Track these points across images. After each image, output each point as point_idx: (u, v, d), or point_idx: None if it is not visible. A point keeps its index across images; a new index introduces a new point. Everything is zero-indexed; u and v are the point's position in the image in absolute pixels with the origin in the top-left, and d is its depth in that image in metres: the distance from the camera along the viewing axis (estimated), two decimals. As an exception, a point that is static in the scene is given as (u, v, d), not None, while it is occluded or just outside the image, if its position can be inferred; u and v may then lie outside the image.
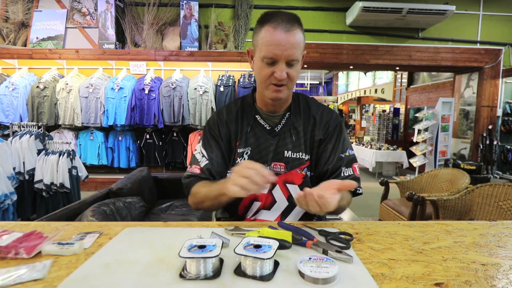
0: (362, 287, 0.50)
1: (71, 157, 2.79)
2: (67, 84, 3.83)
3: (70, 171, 2.76)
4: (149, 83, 3.86)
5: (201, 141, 0.98)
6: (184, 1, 4.07)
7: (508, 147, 4.80)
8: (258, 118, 0.97)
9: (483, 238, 0.72)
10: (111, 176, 4.12)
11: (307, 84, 14.44)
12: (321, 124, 0.96)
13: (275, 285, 0.50)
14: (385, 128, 8.02)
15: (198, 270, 0.51)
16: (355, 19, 4.16)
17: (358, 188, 0.93)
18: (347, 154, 0.94)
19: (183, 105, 3.85)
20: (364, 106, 11.12)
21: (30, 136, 2.73)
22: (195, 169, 0.94)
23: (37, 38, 4.13)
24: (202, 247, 0.54)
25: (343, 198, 0.85)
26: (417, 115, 5.59)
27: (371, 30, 4.44)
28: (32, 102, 3.80)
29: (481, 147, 4.68)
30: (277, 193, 0.93)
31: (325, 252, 0.61)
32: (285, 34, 0.80)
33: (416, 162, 5.35)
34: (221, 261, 0.56)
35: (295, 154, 0.94)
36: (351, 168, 0.93)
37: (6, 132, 3.65)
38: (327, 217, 1.40)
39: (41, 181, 2.68)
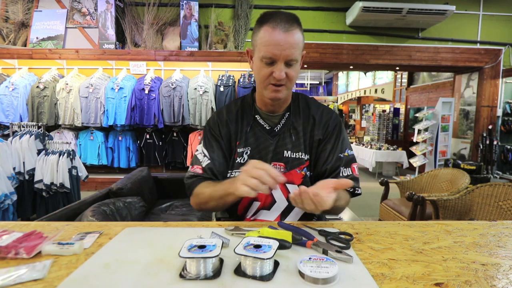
0: (362, 287, 0.50)
1: (71, 157, 2.80)
2: (67, 84, 3.83)
3: (70, 171, 2.76)
4: (149, 83, 3.86)
5: (202, 141, 0.98)
6: (184, 1, 4.07)
7: (508, 147, 4.80)
8: (258, 118, 0.97)
9: (483, 238, 0.72)
10: (111, 176, 4.12)
11: (307, 84, 14.44)
12: (321, 124, 0.96)
13: (275, 285, 0.50)
14: (385, 128, 8.02)
15: (198, 270, 0.51)
16: (355, 19, 4.16)
17: (357, 188, 0.93)
18: (346, 154, 0.94)
19: (183, 105, 3.85)
20: (364, 106, 11.12)
21: (30, 136, 2.73)
22: (197, 169, 0.93)
23: (37, 38, 4.13)
24: (202, 247, 0.54)
25: (340, 198, 0.85)
26: (417, 115, 5.59)
27: (371, 30, 4.44)
28: (32, 102, 3.80)
29: (481, 147, 4.69)
30: (277, 193, 0.93)
31: (325, 252, 0.61)
32: (284, 34, 0.80)
33: (416, 162, 5.35)
34: (221, 261, 0.56)
35: (294, 154, 0.94)
36: (350, 168, 0.93)
37: (6, 132, 3.65)
38: (327, 217, 1.40)
39: (41, 181, 2.68)
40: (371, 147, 6.38)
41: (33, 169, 2.70)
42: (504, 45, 4.59)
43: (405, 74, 7.72)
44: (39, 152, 2.75)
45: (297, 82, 14.63)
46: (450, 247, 0.66)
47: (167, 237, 0.69)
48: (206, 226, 0.77)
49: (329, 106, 1.15)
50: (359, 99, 11.27)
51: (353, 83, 11.63)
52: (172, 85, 3.84)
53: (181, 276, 0.52)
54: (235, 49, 4.17)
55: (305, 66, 5.01)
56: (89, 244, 0.65)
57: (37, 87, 3.80)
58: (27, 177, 2.70)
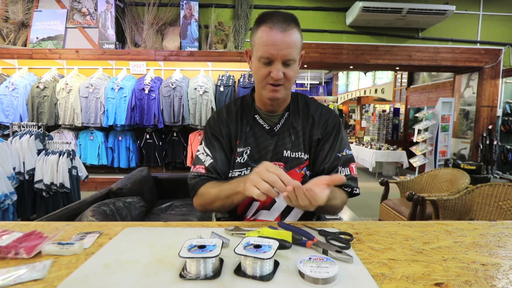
0: (362, 287, 0.50)
1: (71, 157, 2.80)
2: (67, 84, 3.83)
3: (70, 171, 2.76)
4: (149, 83, 3.86)
5: (203, 142, 0.98)
6: (184, 1, 4.07)
7: (508, 147, 4.80)
8: (257, 118, 0.97)
9: (483, 238, 0.72)
10: (111, 176, 4.12)
11: (307, 84, 14.45)
12: (320, 123, 0.96)
13: (275, 285, 0.50)
14: (385, 128, 8.02)
15: (198, 270, 0.51)
16: (355, 19, 4.16)
17: (355, 188, 0.93)
18: (344, 153, 0.94)
19: (183, 105, 3.85)
20: (364, 106, 11.12)
21: (30, 136, 2.73)
22: (200, 169, 0.93)
23: (37, 38, 4.13)
24: (202, 247, 0.54)
25: (336, 197, 0.85)
26: (417, 115, 5.59)
27: (371, 30, 4.45)
28: (32, 102, 3.80)
29: (481, 147, 4.69)
30: None
31: (325, 252, 0.61)
32: (281, 34, 0.80)
33: (416, 162, 5.35)
34: (221, 261, 0.56)
35: (294, 153, 0.94)
36: (348, 168, 0.93)
37: (6, 132, 3.65)
38: (327, 217, 1.40)
39: (41, 181, 2.68)
40: (371, 147, 6.38)
41: (33, 169, 2.70)
42: (504, 45, 4.59)
43: (405, 74, 7.72)
44: (39, 152, 2.75)
45: (297, 82, 14.66)
46: (450, 247, 0.66)
47: (167, 237, 0.69)
48: (206, 226, 0.77)
49: (329, 106, 1.14)
50: (359, 99, 11.27)
51: (353, 83, 11.63)
52: (172, 85, 3.84)
53: (181, 276, 0.52)
54: (235, 49, 4.17)
55: (305, 66, 5.01)
56: (89, 244, 0.65)
57: (37, 87, 3.80)
58: (27, 177, 2.70)
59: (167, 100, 3.86)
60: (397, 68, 5.35)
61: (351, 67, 5.58)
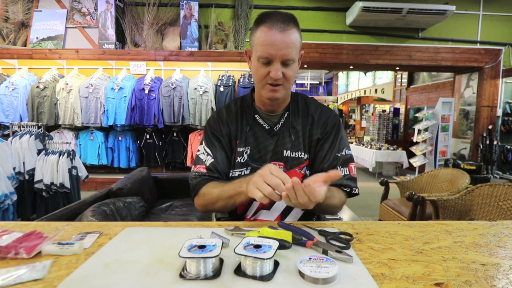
0: (362, 287, 0.50)
1: (71, 157, 2.80)
2: (67, 84, 3.83)
3: (70, 171, 2.76)
4: (149, 83, 3.86)
5: (203, 141, 0.98)
6: (184, 1, 4.07)
7: (508, 147, 4.81)
8: (257, 118, 0.97)
9: (483, 238, 0.72)
10: (111, 176, 4.12)
11: (307, 84, 14.45)
12: (319, 123, 0.96)
13: (275, 285, 0.50)
14: (385, 128, 8.02)
15: (198, 270, 0.51)
16: (355, 19, 4.16)
17: (354, 188, 0.92)
18: (343, 153, 0.93)
19: (183, 105, 3.85)
20: (364, 106, 11.12)
21: (30, 136, 2.73)
22: (201, 169, 0.93)
23: (37, 38, 4.13)
24: (202, 247, 0.54)
25: (334, 196, 0.85)
26: (417, 115, 5.59)
27: (371, 30, 4.45)
28: (32, 102, 3.80)
29: (481, 147, 4.69)
30: None
31: (325, 252, 0.61)
32: (280, 34, 0.80)
33: (416, 162, 5.35)
34: (221, 261, 0.56)
35: (294, 153, 0.94)
36: (347, 168, 0.93)
37: (6, 132, 3.65)
38: (327, 217, 1.40)
39: (41, 181, 2.68)
40: (371, 147, 6.38)
41: (33, 169, 2.70)
42: (504, 45, 4.59)
43: (405, 74, 7.72)
44: (39, 152, 2.75)
45: (297, 82, 14.66)
46: (450, 247, 0.66)
47: (167, 237, 0.69)
48: (206, 226, 0.77)
49: (329, 106, 1.14)
50: (359, 99, 11.27)
51: (353, 83, 11.63)
52: (172, 85, 3.84)
53: (181, 276, 0.52)
54: (235, 49, 4.17)
55: (305, 66, 5.01)
56: (89, 244, 0.65)
57: (37, 87, 3.80)
58: (27, 177, 2.70)
59: (167, 100, 3.86)
60: (397, 68, 5.35)
61: (351, 67, 5.59)
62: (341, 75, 12.80)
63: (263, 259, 0.51)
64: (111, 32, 4.06)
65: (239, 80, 4.03)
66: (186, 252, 0.52)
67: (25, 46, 4.13)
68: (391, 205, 2.69)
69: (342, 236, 0.69)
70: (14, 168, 2.58)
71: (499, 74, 4.61)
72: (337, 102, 12.16)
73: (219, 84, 3.94)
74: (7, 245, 0.59)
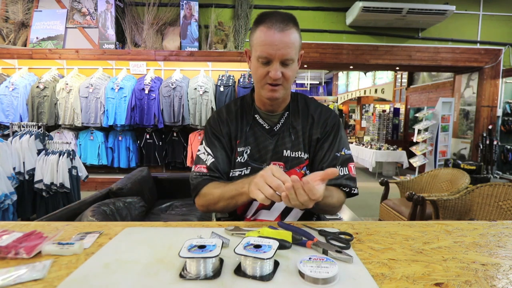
0: (362, 287, 0.50)
1: (71, 157, 2.80)
2: (67, 84, 3.83)
3: (70, 171, 2.76)
4: (149, 83, 3.87)
5: (203, 141, 0.98)
6: (184, 1, 4.07)
7: (508, 147, 4.81)
8: (257, 118, 0.97)
9: (483, 238, 0.72)
10: (111, 176, 4.12)
11: (307, 84, 14.45)
12: (319, 123, 0.96)
13: (275, 285, 0.50)
14: (385, 128, 8.02)
15: (198, 270, 0.51)
16: (355, 19, 4.16)
17: (353, 188, 0.92)
18: (342, 153, 0.93)
19: (183, 105, 3.85)
20: (364, 106, 11.12)
21: (30, 136, 2.73)
22: (202, 169, 0.93)
23: (37, 38, 4.13)
24: (202, 247, 0.54)
25: (332, 195, 0.85)
26: (417, 115, 5.59)
27: (371, 30, 4.45)
28: (32, 102, 3.80)
29: (481, 147, 4.69)
30: None
31: (325, 252, 0.61)
32: (279, 34, 0.81)
33: (416, 162, 5.35)
34: (221, 261, 0.56)
35: (294, 153, 0.94)
36: (346, 168, 0.92)
37: (6, 132, 3.65)
38: (327, 217, 1.40)
39: (41, 181, 2.68)
40: (371, 147, 6.38)
41: (33, 169, 2.70)
42: (504, 45, 4.59)
43: (405, 74, 7.72)
44: (39, 152, 2.75)
45: (297, 82, 14.66)
46: (450, 247, 0.66)
47: (167, 237, 0.69)
48: (206, 226, 0.77)
49: (329, 106, 1.14)
50: (359, 99, 11.27)
51: (353, 83, 11.63)
52: (172, 85, 3.84)
53: (181, 276, 0.52)
54: (235, 49, 4.17)
55: (305, 66, 5.01)
56: (89, 244, 0.65)
57: (37, 87, 3.80)
58: (27, 177, 2.70)
59: (167, 100, 3.86)
60: (397, 68, 5.35)
61: (351, 67, 5.59)
62: (341, 75, 12.80)
63: (263, 259, 0.51)
64: (111, 32, 4.06)
65: (239, 80, 4.03)
66: (186, 252, 0.52)
67: (25, 46, 4.13)
68: (391, 205, 2.69)
69: (342, 236, 0.69)
70: (14, 168, 2.58)
71: (499, 74, 4.62)
72: (337, 102, 12.17)
73: (219, 84, 3.94)
74: (7, 245, 0.59)
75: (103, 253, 0.61)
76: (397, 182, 2.94)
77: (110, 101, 3.84)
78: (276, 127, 0.96)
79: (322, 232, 0.72)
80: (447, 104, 5.21)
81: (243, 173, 0.94)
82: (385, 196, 2.91)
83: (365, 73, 10.30)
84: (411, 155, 5.71)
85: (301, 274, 0.52)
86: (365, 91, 10.37)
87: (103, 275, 0.53)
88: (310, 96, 1.08)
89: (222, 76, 4.03)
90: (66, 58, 4.02)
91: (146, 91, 3.83)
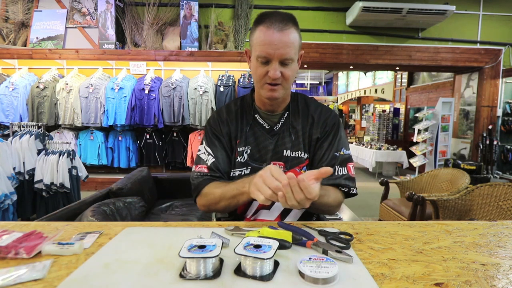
0: (362, 287, 0.50)
1: (71, 157, 2.80)
2: (67, 84, 3.83)
3: (70, 171, 2.76)
4: (149, 83, 3.87)
5: (204, 141, 0.98)
6: (184, 1, 4.07)
7: (508, 147, 4.81)
8: (257, 118, 0.97)
9: (483, 238, 0.72)
10: (111, 176, 4.12)
11: (307, 84, 14.45)
12: (319, 123, 0.96)
13: (275, 285, 0.50)
14: (385, 128, 8.02)
15: (198, 270, 0.51)
16: (355, 19, 4.16)
17: (352, 188, 0.92)
18: (341, 153, 0.93)
19: (183, 105, 3.85)
20: (364, 106, 11.12)
21: (30, 136, 2.73)
22: (203, 169, 0.93)
23: (37, 38, 4.13)
24: (202, 247, 0.54)
25: (328, 195, 0.84)
26: (417, 115, 5.59)
27: (371, 30, 4.45)
28: (32, 102, 3.80)
29: (481, 147, 4.69)
30: None
31: (325, 252, 0.61)
32: (278, 34, 0.81)
33: (416, 162, 5.35)
34: (221, 261, 0.56)
35: (294, 153, 0.94)
36: (345, 168, 0.92)
37: (6, 132, 3.65)
38: (327, 217, 1.40)
39: (41, 181, 2.68)
40: (371, 147, 6.38)
41: (33, 169, 2.70)
42: (504, 45, 4.59)
43: (405, 74, 7.72)
44: (39, 152, 2.75)
45: (297, 82, 14.66)
46: (450, 247, 0.66)
47: (167, 237, 0.69)
48: (206, 226, 0.77)
49: (329, 106, 1.14)
50: (359, 99, 11.27)
51: (353, 83, 11.63)
52: (172, 85, 3.84)
53: (181, 276, 0.52)
54: (235, 49, 4.17)
55: (305, 66, 5.01)
56: (89, 244, 0.65)
57: (37, 87, 3.80)
58: (27, 177, 2.70)
59: (167, 100, 3.86)
60: (397, 68, 5.35)
61: (351, 67, 5.59)
62: (341, 75, 12.80)
63: (263, 259, 0.51)
64: (111, 32, 4.06)
65: (239, 80, 4.03)
66: (186, 252, 0.52)
67: (25, 46, 4.13)
68: (391, 205, 2.69)
69: (342, 236, 0.69)
70: (14, 168, 2.58)
71: (499, 74, 4.62)
72: (337, 102, 12.17)
73: (219, 84, 3.94)
74: (7, 245, 0.59)
75: (103, 253, 0.61)
76: (397, 182, 2.94)
77: (110, 101, 3.84)
78: (276, 127, 0.96)
79: (322, 232, 0.72)
80: (447, 104, 5.21)
81: (243, 173, 0.94)
82: (385, 196, 2.91)
83: (365, 73, 10.30)
84: (411, 155, 5.71)
85: (301, 274, 0.52)
86: (365, 91, 10.37)
87: (103, 275, 0.53)
88: (310, 96, 1.08)
89: (222, 76, 4.03)
90: (66, 58, 4.02)
91: (146, 91, 3.83)
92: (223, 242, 0.57)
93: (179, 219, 2.28)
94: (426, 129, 5.32)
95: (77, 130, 4.09)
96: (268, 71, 0.84)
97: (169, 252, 0.61)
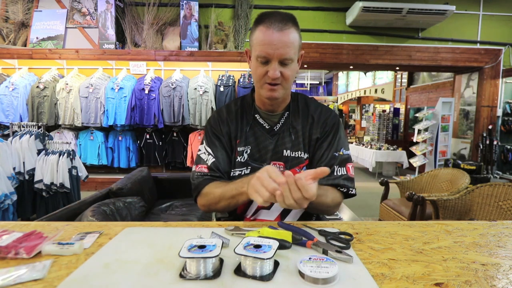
0: (362, 287, 0.50)
1: (71, 157, 2.80)
2: (67, 84, 3.83)
3: (70, 171, 2.76)
4: (149, 83, 3.87)
5: (204, 141, 0.98)
6: (184, 1, 4.07)
7: (508, 147, 4.80)
8: (258, 117, 0.97)
9: (483, 238, 0.72)
10: (111, 176, 4.12)
11: (307, 84, 14.45)
12: (319, 123, 0.96)
13: (275, 285, 0.50)
14: (385, 128, 8.02)
15: (198, 270, 0.51)
16: (355, 19, 4.16)
17: (351, 189, 0.92)
18: (341, 153, 0.93)
19: (183, 105, 3.85)
20: (364, 106, 11.12)
21: (30, 136, 2.73)
22: (203, 169, 0.93)
23: (37, 38, 4.13)
24: (202, 247, 0.54)
25: (326, 194, 0.84)
26: (417, 115, 5.59)
27: (371, 30, 4.45)
28: (32, 102, 3.80)
29: (481, 147, 4.69)
30: None
31: (325, 252, 0.61)
32: (278, 33, 0.81)
33: (416, 162, 5.35)
34: (221, 261, 0.56)
35: (294, 153, 0.94)
36: (344, 168, 0.92)
37: (6, 132, 3.65)
38: (327, 217, 1.40)
39: (41, 181, 2.68)
40: (371, 147, 6.37)
41: (33, 169, 2.70)
42: (504, 45, 4.59)
43: (405, 74, 7.72)
44: (39, 152, 2.75)
45: (297, 82, 14.66)
46: (450, 247, 0.66)
47: (167, 237, 0.69)
48: (206, 226, 0.77)
49: (329, 106, 1.14)
50: (359, 99, 11.27)
51: (353, 83, 11.63)
52: (172, 85, 3.84)
53: (181, 276, 0.52)
54: (235, 49, 4.17)
55: (305, 66, 5.01)
56: (89, 244, 0.65)
57: (37, 87, 3.80)
58: (27, 177, 2.70)
59: (167, 100, 3.86)
60: (397, 68, 5.35)
61: (351, 67, 5.58)
62: (341, 75, 12.80)
63: (263, 259, 0.51)
64: (111, 32, 4.06)
65: (239, 80, 4.03)
66: (186, 252, 0.52)
67: (25, 46, 4.13)
68: (391, 205, 2.69)
69: (342, 236, 0.69)
70: (14, 168, 2.58)
71: (499, 74, 4.62)
72: (337, 102, 12.17)
73: (219, 84, 3.94)
74: (7, 245, 0.59)
75: (103, 253, 0.61)
76: (397, 182, 2.94)
77: (110, 101, 3.84)
78: (276, 127, 0.96)
79: (322, 232, 0.72)
80: (447, 104, 5.21)
81: (243, 173, 0.94)
82: (385, 196, 2.91)
83: (365, 73, 10.30)
84: (411, 155, 5.71)
85: (301, 274, 0.52)
86: (365, 91, 10.37)
87: (103, 275, 0.53)
88: (310, 96, 1.08)
89: (222, 76, 4.03)
90: (66, 58, 4.02)
91: (146, 91, 3.84)
92: (223, 242, 0.57)
93: (179, 219, 2.28)
94: (426, 129, 5.32)
95: (77, 130, 4.09)
96: (268, 71, 0.84)
97: (169, 252, 0.61)
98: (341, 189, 0.91)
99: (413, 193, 2.28)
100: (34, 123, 2.88)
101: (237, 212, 0.97)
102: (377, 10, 3.91)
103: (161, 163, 4.18)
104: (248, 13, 4.22)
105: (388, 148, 6.23)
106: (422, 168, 5.54)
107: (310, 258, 0.55)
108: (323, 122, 0.96)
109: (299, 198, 0.66)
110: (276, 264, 0.56)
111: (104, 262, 0.57)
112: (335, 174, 0.90)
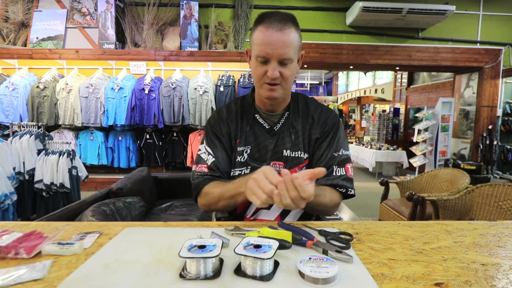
0: (362, 287, 0.50)
1: (71, 157, 2.80)
2: (67, 84, 3.83)
3: (70, 171, 2.76)
4: (149, 83, 3.87)
5: (204, 141, 0.99)
6: (184, 1, 4.07)
7: (508, 147, 4.80)
8: (258, 117, 0.97)
9: (483, 238, 0.72)
10: (111, 176, 4.12)
11: (307, 84, 14.45)
12: (319, 123, 0.96)
13: (275, 285, 0.50)
14: (385, 128, 8.02)
15: (198, 270, 0.51)
16: (355, 19, 4.16)
17: (350, 189, 0.91)
18: (340, 153, 0.93)
19: (183, 105, 3.85)
20: (364, 106, 11.12)
21: (30, 136, 2.73)
22: (203, 168, 0.93)
23: (37, 38, 4.13)
24: (202, 247, 0.54)
25: (324, 195, 0.84)
26: (417, 115, 5.59)
27: (371, 30, 4.45)
28: (32, 102, 3.80)
29: (481, 147, 4.69)
30: None
31: (325, 252, 0.61)
32: (277, 33, 0.81)
33: (416, 162, 5.35)
34: (221, 261, 0.56)
35: (294, 153, 0.94)
36: (343, 168, 0.92)
37: (6, 132, 3.65)
38: (326, 217, 1.40)
39: (41, 181, 2.68)
40: (371, 147, 6.37)
41: (33, 169, 2.70)
42: (504, 45, 4.59)
43: (405, 74, 7.72)
44: (39, 152, 2.75)
45: (297, 82, 14.66)
46: (450, 247, 0.66)
47: (167, 237, 0.69)
48: (206, 226, 0.77)
49: (329, 106, 1.14)
50: (359, 99, 11.27)
51: (353, 83, 11.63)
52: (172, 85, 3.84)
53: (181, 276, 0.52)
54: (235, 49, 4.17)
55: (305, 66, 5.01)
56: (89, 244, 0.65)
57: (37, 87, 3.80)
58: (27, 177, 2.70)
59: (167, 100, 3.86)
60: (397, 68, 5.35)
61: (351, 67, 5.59)
62: (341, 75, 12.80)
63: (263, 259, 0.51)
64: (111, 32, 4.06)
65: (239, 80, 4.03)
66: (186, 252, 0.52)
67: (25, 46, 4.13)
68: (391, 205, 2.69)
69: (342, 236, 0.69)
70: (14, 168, 2.58)
71: (499, 74, 4.62)
72: (337, 102, 12.17)
73: (219, 84, 3.94)
74: (7, 245, 0.59)
75: (103, 253, 0.61)
76: (397, 182, 2.94)
77: (110, 101, 3.84)
78: (276, 127, 0.96)
79: (322, 232, 0.72)
80: (447, 104, 5.21)
81: (243, 173, 0.94)
82: (385, 196, 2.91)
83: (365, 73, 10.30)
84: (411, 155, 5.71)
85: (301, 274, 0.52)
86: (365, 91, 10.37)
87: (103, 275, 0.53)
88: (310, 96, 1.08)
89: (222, 76, 4.03)
90: (66, 58, 4.02)
91: (146, 91, 3.84)
92: (223, 242, 0.57)
93: (179, 219, 2.28)
94: (426, 129, 5.32)
95: (77, 130, 4.09)
96: (267, 71, 0.84)
97: (169, 252, 0.61)
98: (339, 189, 0.91)
99: (413, 193, 2.28)
100: (34, 123, 2.88)
101: (237, 212, 0.97)
102: (377, 10, 3.91)
103: (161, 163, 4.18)
104: (248, 13, 4.22)
105: (388, 148, 6.23)
106: (422, 168, 5.54)
107: (310, 258, 0.55)
108: (323, 122, 0.96)
109: (296, 198, 0.65)
110: (276, 264, 0.56)
111: (104, 262, 0.57)
112: (334, 174, 0.90)
